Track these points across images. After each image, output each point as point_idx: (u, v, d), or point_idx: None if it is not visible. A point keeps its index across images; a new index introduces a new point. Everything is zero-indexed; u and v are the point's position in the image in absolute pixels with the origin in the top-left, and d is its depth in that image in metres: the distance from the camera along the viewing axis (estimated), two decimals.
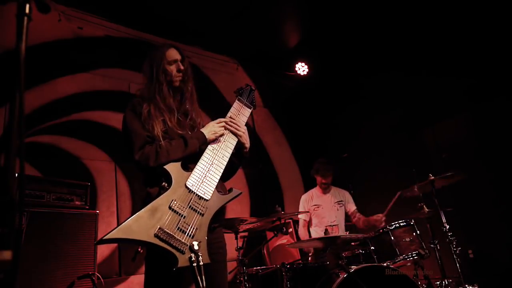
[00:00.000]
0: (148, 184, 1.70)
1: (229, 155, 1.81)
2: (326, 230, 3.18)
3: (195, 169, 1.67)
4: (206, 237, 1.56)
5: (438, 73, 4.49)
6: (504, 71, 3.96)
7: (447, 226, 3.13)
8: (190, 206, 1.58)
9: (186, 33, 4.96)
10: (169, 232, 1.47)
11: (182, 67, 1.91)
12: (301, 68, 6.03)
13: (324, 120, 6.04)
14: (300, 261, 3.31)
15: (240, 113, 1.94)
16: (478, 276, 3.48)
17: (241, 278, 2.90)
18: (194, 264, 1.44)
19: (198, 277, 1.42)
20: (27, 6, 0.83)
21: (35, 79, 3.78)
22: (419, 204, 3.28)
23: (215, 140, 1.81)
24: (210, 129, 1.81)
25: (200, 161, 1.71)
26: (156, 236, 1.45)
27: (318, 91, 6.14)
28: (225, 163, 1.77)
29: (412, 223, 3.28)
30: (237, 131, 1.87)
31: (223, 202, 1.70)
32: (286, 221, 4.54)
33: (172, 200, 1.54)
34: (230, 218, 3.06)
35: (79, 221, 2.92)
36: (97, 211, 3.10)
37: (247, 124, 1.96)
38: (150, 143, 1.71)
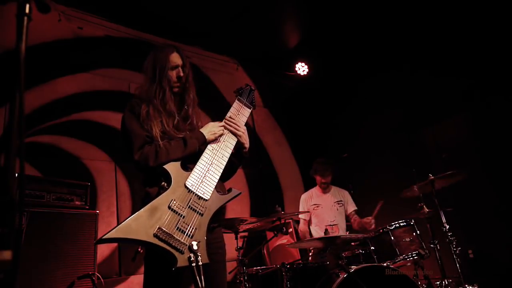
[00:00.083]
0: (147, 184, 1.70)
1: (228, 155, 1.81)
2: (326, 230, 3.18)
3: (194, 169, 1.67)
4: (205, 237, 1.56)
5: (438, 73, 4.49)
6: (503, 71, 3.96)
7: (447, 226, 3.13)
8: (189, 206, 1.58)
9: (186, 33, 4.96)
10: (168, 232, 1.47)
11: (182, 74, 1.89)
12: (301, 68, 6.03)
13: (324, 120, 6.04)
14: (300, 261, 3.31)
15: (239, 113, 1.94)
16: (478, 276, 3.48)
17: (241, 278, 2.90)
18: (193, 264, 1.44)
19: (197, 277, 1.42)
20: (27, 6, 0.83)
21: (35, 79, 3.78)
22: (419, 204, 3.28)
23: (214, 140, 1.81)
24: (209, 129, 1.81)
25: (199, 161, 1.71)
26: (155, 236, 1.45)
27: (318, 91, 6.14)
28: (224, 163, 1.77)
29: (412, 223, 3.28)
30: (236, 131, 1.87)
31: (223, 202, 1.71)
32: (286, 221, 4.54)
33: (172, 200, 1.54)
34: (230, 218, 3.06)
35: (79, 221, 2.92)
36: (97, 211, 3.10)
37: (247, 124, 1.96)
38: (150, 143, 1.71)
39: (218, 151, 1.79)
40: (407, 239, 3.18)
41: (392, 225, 3.24)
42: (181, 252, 1.47)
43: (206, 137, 1.78)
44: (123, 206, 4.04)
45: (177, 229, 1.50)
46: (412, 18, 4.65)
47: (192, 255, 1.47)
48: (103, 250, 3.65)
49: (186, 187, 1.61)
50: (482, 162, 4.10)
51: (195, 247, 1.48)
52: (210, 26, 5.00)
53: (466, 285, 3.03)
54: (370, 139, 5.23)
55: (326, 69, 5.87)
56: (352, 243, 3.41)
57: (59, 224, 2.78)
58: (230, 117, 1.90)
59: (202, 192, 1.64)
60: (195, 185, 1.63)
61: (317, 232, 4.04)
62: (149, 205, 1.50)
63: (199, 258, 1.47)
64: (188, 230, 1.52)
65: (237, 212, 4.71)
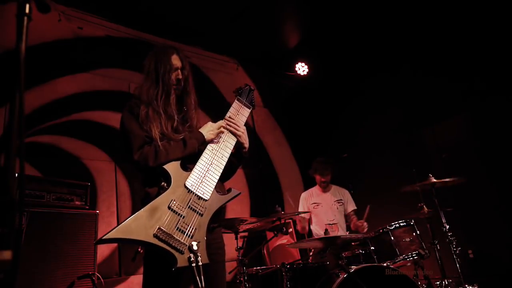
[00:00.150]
0: (147, 184, 1.70)
1: (228, 155, 1.81)
2: (326, 230, 3.18)
3: (194, 169, 1.67)
4: (205, 237, 1.56)
5: (438, 73, 4.49)
6: (503, 71, 3.96)
7: (447, 226, 3.13)
8: (189, 206, 1.58)
9: (186, 33, 4.97)
10: (168, 232, 1.47)
11: (180, 76, 1.89)
12: (301, 68, 6.03)
13: (324, 120, 6.04)
14: (300, 261, 3.31)
15: (239, 113, 1.94)
16: (478, 276, 3.48)
17: (241, 278, 2.90)
18: (193, 265, 1.44)
19: (197, 277, 1.42)
20: (27, 6, 0.83)
21: (35, 79, 3.78)
22: (419, 204, 3.28)
23: (214, 140, 1.81)
24: (208, 128, 1.81)
25: (199, 161, 1.71)
26: (155, 236, 1.45)
27: (318, 91, 6.14)
28: (224, 163, 1.77)
29: (412, 223, 3.28)
30: (236, 131, 1.87)
31: (222, 202, 1.70)
32: (286, 221, 4.54)
33: (171, 200, 1.54)
34: (230, 218, 3.06)
35: (79, 221, 2.92)
36: (97, 211, 3.10)
37: (247, 124, 1.96)
38: (149, 143, 1.70)
39: (217, 151, 1.79)
40: (407, 239, 3.18)
41: (392, 225, 3.24)
42: (181, 253, 1.47)
43: (206, 137, 1.78)
44: (123, 206, 4.04)
45: (177, 229, 1.50)
46: (412, 18, 4.66)
47: (192, 255, 1.46)
48: (103, 250, 3.65)
49: (186, 187, 1.61)
50: (482, 162, 4.10)
51: (195, 247, 1.48)
52: (210, 26, 5.00)
53: (466, 285, 3.03)
54: (370, 139, 5.23)
55: (326, 69, 5.87)
56: (352, 243, 3.41)
57: (59, 224, 2.78)
58: (229, 117, 1.90)
59: (202, 192, 1.64)
60: (195, 185, 1.63)
61: (316, 231, 4.04)
62: (149, 205, 1.50)
63: (199, 258, 1.47)
64: (188, 230, 1.52)
65: (237, 212, 4.71)
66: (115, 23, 4.56)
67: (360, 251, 3.27)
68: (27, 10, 0.83)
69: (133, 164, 1.68)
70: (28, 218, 2.58)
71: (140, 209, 1.49)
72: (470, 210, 3.96)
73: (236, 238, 3.18)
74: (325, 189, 4.20)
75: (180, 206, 1.55)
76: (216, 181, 1.70)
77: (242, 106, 1.98)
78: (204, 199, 1.63)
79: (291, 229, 4.67)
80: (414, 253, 3.10)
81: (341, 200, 4.17)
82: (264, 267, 3.27)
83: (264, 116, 6.00)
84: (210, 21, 4.90)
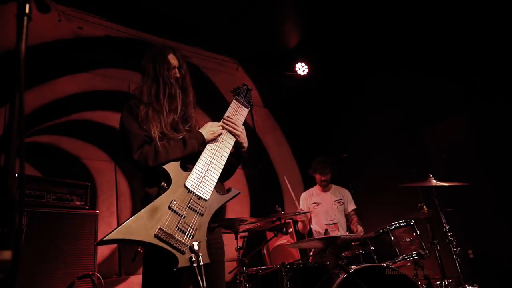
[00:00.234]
0: (146, 184, 1.70)
1: (227, 155, 1.81)
2: (326, 230, 3.18)
3: (194, 169, 1.67)
4: (205, 237, 1.56)
5: (438, 73, 4.49)
6: (503, 71, 3.96)
7: (447, 226, 3.13)
8: (189, 206, 1.58)
9: (186, 33, 4.97)
10: (169, 232, 1.47)
11: (178, 75, 1.91)
12: (301, 68, 6.03)
13: (324, 120, 6.04)
14: (300, 261, 3.31)
15: (237, 113, 1.95)
16: (478, 276, 3.48)
17: (241, 278, 2.89)
18: (195, 264, 1.44)
19: (199, 277, 1.42)
20: (27, 6, 0.83)
21: (35, 79, 3.78)
22: (419, 204, 3.28)
23: (213, 140, 1.81)
24: (208, 129, 1.82)
25: (198, 161, 1.71)
26: (156, 236, 1.45)
27: (318, 91, 6.14)
28: (223, 163, 1.78)
29: (412, 223, 3.28)
30: (235, 131, 1.88)
31: (222, 202, 1.71)
32: (286, 221, 4.54)
33: (172, 201, 1.54)
34: (230, 218, 3.06)
35: (79, 221, 2.92)
36: (97, 211, 3.10)
37: (246, 124, 1.96)
38: (149, 143, 1.70)
39: (217, 151, 1.79)
40: (407, 239, 3.18)
41: (392, 225, 3.24)
42: (182, 253, 1.47)
43: (205, 137, 1.79)
44: (123, 206, 4.04)
45: (177, 229, 1.50)
46: (412, 18, 4.65)
47: (193, 255, 1.47)
48: (103, 250, 3.65)
49: (186, 187, 1.61)
50: (482, 162, 4.10)
51: (196, 247, 1.48)
52: (210, 26, 5.00)
53: (466, 285, 3.03)
54: (370, 139, 5.23)
55: (326, 69, 5.87)
56: (352, 243, 3.41)
57: (59, 224, 2.78)
58: (228, 116, 1.91)
59: (202, 192, 1.64)
60: (195, 185, 1.63)
61: (317, 230, 4.04)
62: (149, 205, 1.50)
63: (200, 258, 1.47)
64: (189, 231, 1.52)
65: (237, 212, 4.71)
66: (115, 23, 4.56)
67: (360, 251, 3.27)
68: (27, 10, 0.83)
69: (132, 164, 1.68)
70: (28, 218, 2.58)
71: (141, 209, 1.49)
72: (470, 210, 3.96)
73: (236, 238, 3.17)
74: (325, 188, 4.20)
75: (181, 206, 1.55)
76: (216, 181, 1.71)
77: (240, 105, 1.98)
78: (204, 199, 1.63)
79: (291, 229, 4.67)
80: (414, 253, 3.10)
81: (341, 199, 4.17)
82: (264, 267, 3.26)
83: (264, 116, 6.00)
84: (210, 21, 4.90)
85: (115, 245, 3.77)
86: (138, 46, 4.57)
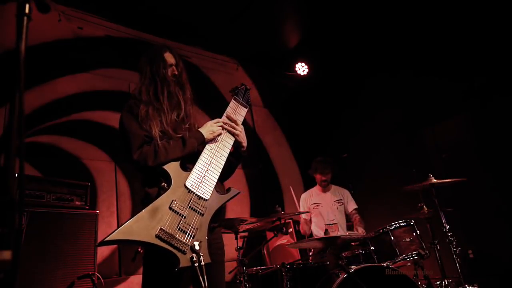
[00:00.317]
0: (146, 184, 1.69)
1: (226, 154, 1.81)
2: (326, 230, 3.18)
3: (193, 169, 1.67)
4: (206, 237, 1.56)
5: (438, 74, 4.49)
6: (503, 71, 3.96)
7: (447, 226, 3.12)
8: (190, 206, 1.58)
9: (186, 33, 4.97)
10: (170, 232, 1.47)
11: (176, 72, 1.93)
12: (301, 68, 6.03)
13: (324, 120, 6.04)
14: (300, 261, 3.31)
15: (236, 112, 1.95)
16: (478, 276, 3.48)
17: (241, 278, 2.89)
18: (196, 264, 1.44)
19: (200, 277, 1.42)
20: (27, 6, 0.83)
21: (35, 79, 3.78)
22: (419, 204, 3.28)
23: (212, 140, 1.81)
24: (208, 128, 1.82)
25: (198, 161, 1.71)
26: (157, 236, 1.45)
27: (318, 91, 6.14)
28: (223, 163, 1.78)
29: (412, 223, 3.28)
30: (234, 130, 1.88)
31: (222, 202, 1.71)
32: (286, 221, 4.54)
33: (172, 201, 1.54)
34: (230, 218, 3.06)
35: (79, 221, 2.92)
36: (97, 211, 3.10)
37: (246, 124, 1.97)
38: (148, 142, 1.70)
39: (216, 151, 1.79)
40: (407, 239, 3.18)
41: (392, 225, 3.24)
42: (183, 253, 1.47)
43: (205, 137, 1.79)
44: (123, 206, 4.04)
45: (178, 229, 1.50)
46: (412, 18, 4.65)
47: (194, 255, 1.47)
48: (103, 250, 3.65)
49: (186, 187, 1.61)
50: (482, 162, 4.10)
51: (197, 247, 1.49)
52: (210, 26, 5.00)
53: (466, 285, 3.03)
54: (370, 139, 5.23)
55: (326, 69, 5.87)
56: (352, 243, 3.41)
57: (59, 224, 2.78)
58: (227, 116, 1.91)
59: (202, 192, 1.64)
60: (195, 185, 1.63)
61: (316, 231, 4.04)
62: (150, 206, 1.50)
63: (201, 258, 1.47)
64: (190, 230, 1.52)
65: (237, 212, 4.71)
66: (115, 23, 4.56)
67: (360, 251, 3.27)
68: (27, 10, 0.83)
69: (132, 164, 1.68)
70: (28, 218, 2.58)
71: (141, 209, 1.49)
72: (470, 210, 3.96)
73: (236, 238, 3.17)
74: (325, 188, 4.20)
75: (181, 206, 1.55)
76: (216, 180, 1.71)
77: (239, 105, 1.98)
78: (204, 199, 1.63)
79: (291, 229, 4.67)
80: (414, 253, 3.10)
81: (341, 200, 4.17)
82: (264, 267, 3.26)
83: (264, 116, 6.00)
84: (210, 21, 4.91)
85: (115, 245, 3.77)
86: (138, 46, 4.57)
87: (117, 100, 4.18)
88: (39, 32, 3.93)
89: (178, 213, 1.53)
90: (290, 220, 4.69)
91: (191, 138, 1.75)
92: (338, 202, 4.14)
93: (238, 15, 4.87)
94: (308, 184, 4.81)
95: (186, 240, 1.49)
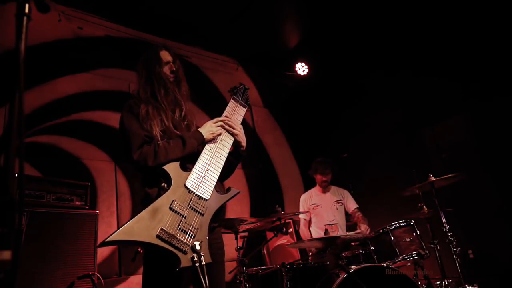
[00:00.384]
0: (146, 184, 1.70)
1: (226, 154, 1.82)
2: (326, 230, 3.18)
3: (193, 169, 1.67)
4: (207, 237, 1.57)
5: (438, 73, 4.49)
6: (503, 71, 3.96)
7: (447, 226, 3.12)
8: (190, 206, 1.58)
9: (186, 33, 4.97)
10: (171, 232, 1.47)
11: (174, 69, 1.95)
12: (301, 68, 6.03)
13: (324, 120, 6.04)
14: (300, 261, 3.31)
15: (235, 112, 1.96)
16: (478, 276, 3.48)
17: (241, 278, 2.89)
18: (197, 264, 1.44)
19: (201, 277, 1.42)
20: (27, 6, 0.83)
21: (35, 79, 3.78)
22: (419, 204, 3.28)
23: (212, 140, 1.82)
24: (207, 128, 1.82)
25: (198, 161, 1.71)
26: (158, 237, 1.45)
27: (318, 91, 6.14)
28: (223, 163, 1.78)
29: (412, 223, 3.28)
30: (233, 130, 1.88)
31: (222, 202, 1.71)
32: (286, 221, 4.54)
33: (173, 201, 1.54)
34: (230, 218, 3.06)
35: (79, 221, 2.92)
36: (97, 211, 3.09)
37: (246, 124, 1.97)
38: (148, 142, 1.71)
39: (216, 150, 1.79)
40: (407, 239, 3.18)
41: (392, 225, 3.24)
42: (184, 253, 1.47)
43: (205, 137, 1.79)
44: (123, 206, 4.04)
45: (179, 229, 1.50)
46: (412, 18, 4.65)
47: (195, 255, 1.47)
48: (103, 250, 3.65)
49: (186, 187, 1.61)
50: (482, 162, 4.10)
51: (197, 247, 1.49)
52: (210, 26, 5.00)
53: (466, 285, 3.03)
54: (370, 139, 5.23)
55: (326, 69, 5.87)
56: (352, 243, 3.41)
57: (59, 224, 2.78)
58: (225, 116, 1.91)
59: (202, 192, 1.64)
60: (195, 185, 1.63)
61: (316, 232, 4.04)
62: (150, 206, 1.50)
63: (202, 258, 1.47)
64: (190, 231, 1.53)
65: (237, 212, 4.71)
66: (115, 23, 4.56)
67: (360, 251, 3.27)
68: (26, 10, 0.83)
69: (132, 164, 1.68)
70: (28, 218, 2.58)
71: (141, 210, 1.49)
72: (470, 210, 3.96)
73: (236, 238, 3.17)
74: (325, 189, 4.20)
75: (181, 206, 1.55)
76: (216, 180, 1.71)
77: (238, 105, 1.99)
78: (204, 199, 1.63)
79: (291, 229, 4.67)
80: (414, 253, 3.10)
81: (340, 200, 4.17)
82: (264, 267, 3.27)
83: (264, 116, 6.00)
84: (210, 21, 4.90)
85: (115, 245, 3.77)
86: (138, 46, 4.57)
87: (117, 100, 4.17)
88: (39, 32, 3.93)
89: (178, 213, 1.53)
90: (290, 220, 4.69)
91: (191, 139, 1.75)
92: (338, 203, 4.14)
93: (238, 15, 4.87)
94: (308, 184, 4.81)
95: (186, 240, 1.49)
